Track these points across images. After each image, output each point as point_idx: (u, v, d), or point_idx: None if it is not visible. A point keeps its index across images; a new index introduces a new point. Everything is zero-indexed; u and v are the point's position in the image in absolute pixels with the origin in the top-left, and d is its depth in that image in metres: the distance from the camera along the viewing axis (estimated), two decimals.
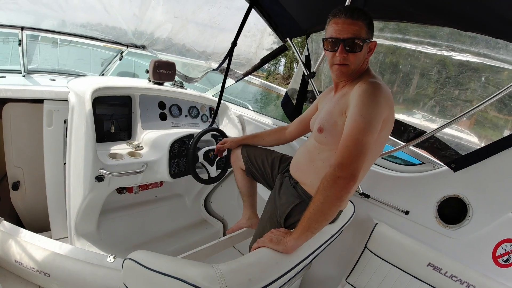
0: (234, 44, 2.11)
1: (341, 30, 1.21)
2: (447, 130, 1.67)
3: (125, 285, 1.08)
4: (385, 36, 1.81)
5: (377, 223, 1.86)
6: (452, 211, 1.67)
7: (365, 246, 1.87)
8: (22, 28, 2.18)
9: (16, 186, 2.18)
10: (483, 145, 1.58)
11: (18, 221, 2.28)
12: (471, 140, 1.69)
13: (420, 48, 1.72)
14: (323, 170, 1.15)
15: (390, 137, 1.84)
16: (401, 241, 1.76)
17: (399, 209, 1.83)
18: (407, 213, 1.81)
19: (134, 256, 1.04)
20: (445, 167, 1.69)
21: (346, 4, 1.67)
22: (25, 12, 2.03)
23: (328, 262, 2.09)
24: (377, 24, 1.78)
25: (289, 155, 1.70)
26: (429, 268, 1.64)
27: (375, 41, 1.29)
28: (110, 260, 1.62)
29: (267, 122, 2.53)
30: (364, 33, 1.23)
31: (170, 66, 2.29)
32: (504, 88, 1.39)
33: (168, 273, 0.93)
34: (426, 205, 1.75)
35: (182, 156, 2.03)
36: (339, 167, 1.06)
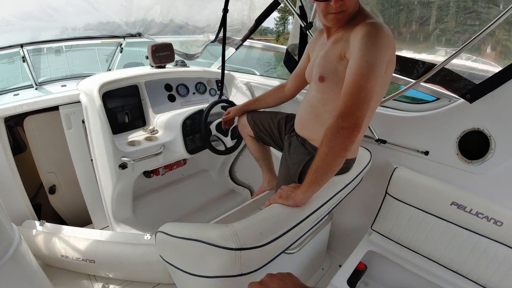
0: (225, 10, 2.06)
1: None
2: (459, 62, 1.55)
3: (161, 256, 1.20)
4: None
5: (396, 167, 1.82)
6: (474, 146, 1.60)
7: (386, 192, 1.85)
8: (21, 46, 2.26)
9: (52, 190, 2.38)
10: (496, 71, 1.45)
11: (61, 222, 2.51)
12: (485, 68, 1.55)
13: None
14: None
15: (400, 76, 1.77)
16: (421, 182, 1.72)
17: (418, 150, 1.77)
18: (426, 153, 1.76)
19: (163, 228, 1.16)
20: (461, 100, 1.60)
21: None
22: (20, 30, 2.08)
23: (353, 212, 2.12)
24: None
25: (294, 114, 1.67)
26: (453, 206, 1.59)
27: None
28: (147, 237, 1.78)
29: (275, 83, 2.50)
30: None
31: (168, 47, 2.30)
32: (510, 7, 1.27)
33: (191, 237, 1.03)
34: (445, 142, 1.68)
35: (195, 132, 2.10)
36: (341, 116, 1.04)
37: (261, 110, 1.85)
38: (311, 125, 1.40)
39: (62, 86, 2.45)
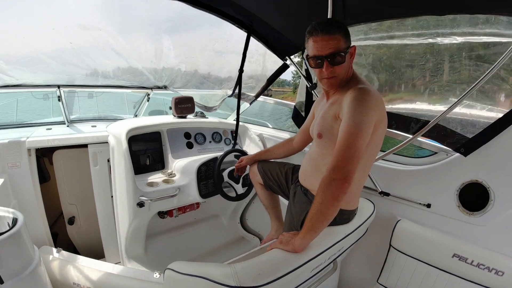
0: (241, 71, 2.35)
1: (321, 47, 1.30)
2: (456, 116, 1.65)
3: None
4: (371, 37, 1.91)
5: (399, 220, 1.85)
6: (474, 197, 1.63)
7: (390, 244, 1.87)
8: (58, 86, 2.56)
9: (71, 221, 2.54)
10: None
11: (75, 252, 2.59)
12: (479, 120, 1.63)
13: (406, 41, 1.79)
14: None
15: (398, 132, 1.89)
16: (423, 234, 1.75)
17: (420, 203, 1.82)
18: (428, 206, 1.80)
19: (172, 266, 1.26)
20: (457, 154, 1.67)
21: (329, 16, 1.81)
22: (58, 73, 2.40)
23: (360, 264, 2.12)
24: (361, 27, 1.91)
25: (300, 165, 1.81)
26: (455, 259, 1.61)
27: (354, 46, 1.38)
28: (156, 276, 1.85)
29: (285, 136, 2.69)
30: (343, 43, 1.31)
31: (189, 100, 2.58)
32: (497, 62, 1.39)
33: (196, 274, 1.13)
34: (446, 195, 1.72)
35: (209, 178, 2.25)
36: (333, 170, 1.17)
37: (271, 160, 2.00)
38: (312, 176, 1.51)
39: (92, 126, 2.71)
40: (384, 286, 1.90)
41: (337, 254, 1.56)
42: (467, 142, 1.61)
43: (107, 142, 2.19)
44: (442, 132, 1.71)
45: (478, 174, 1.61)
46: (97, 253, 2.48)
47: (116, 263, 2.39)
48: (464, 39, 1.58)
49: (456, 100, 1.57)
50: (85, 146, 2.34)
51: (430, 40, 1.69)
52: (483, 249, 1.57)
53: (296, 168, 1.81)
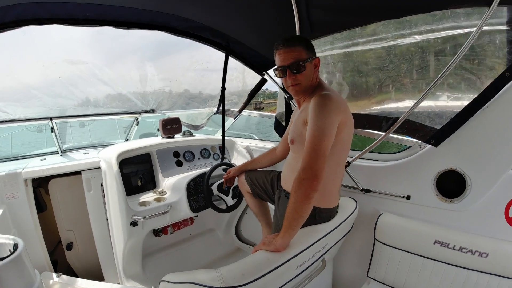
0: (223, 88, 2.49)
1: (284, 58, 1.47)
2: (424, 110, 1.73)
3: None
4: (337, 46, 2.06)
5: (381, 213, 1.92)
6: (452, 185, 1.69)
7: (374, 238, 1.92)
8: (51, 118, 2.66)
9: (69, 246, 2.59)
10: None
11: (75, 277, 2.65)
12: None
13: (370, 46, 1.91)
14: None
15: (371, 131, 1.98)
16: (404, 225, 1.81)
17: (400, 196, 1.89)
18: (408, 197, 1.87)
19: (165, 278, 1.32)
20: (429, 145, 1.75)
21: (297, 32, 1.96)
22: (50, 105, 2.52)
23: (350, 261, 2.17)
24: (327, 38, 2.06)
25: None
26: (437, 245, 1.66)
27: (317, 58, 1.52)
28: None
29: (270, 146, 2.80)
30: (304, 54, 1.47)
31: (176, 121, 2.70)
32: (459, 52, 1.45)
33: (186, 281, 1.20)
34: (424, 185, 1.79)
35: (199, 192, 2.34)
36: (302, 170, 1.28)
37: (258, 170, 2.09)
38: (290, 180, 1.55)
39: (85, 153, 2.80)
40: (374, 279, 1.94)
41: (322, 251, 1.62)
42: (436, 133, 1.69)
43: (99, 168, 2.28)
44: (411, 126, 1.79)
45: (452, 162, 1.68)
46: (97, 276, 2.52)
47: (115, 284, 2.44)
48: (424, 37, 1.68)
49: (421, 95, 1.63)
50: (78, 173, 2.43)
51: (392, 43, 1.81)
52: (464, 233, 1.62)
53: (280, 175, 1.88)
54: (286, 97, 2.39)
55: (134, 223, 2.05)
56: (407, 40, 1.76)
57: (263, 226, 2.15)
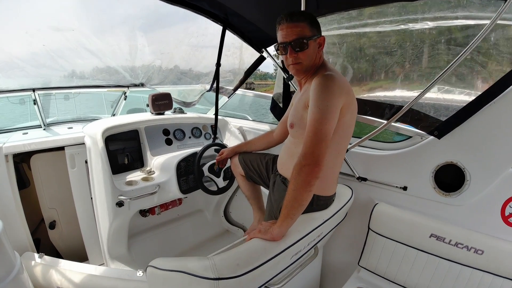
0: (218, 65, 2.33)
1: (286, 34, 1.37)
2: (429, 101, 1.67)
3: None
4: (344, 26, 1.93)
5: (376, 203, 1.89)
6: (450, 179, 1.67)
7: (368, 227, 1.91)
8: (33, 90, 2.50)
9: (52, 225, 2.48)
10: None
11: (58, 257, 2.53)
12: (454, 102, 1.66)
13: (379, 28, 1.80)
14: None
15: (373, 118, 1.92)
16: (400, 216, 1.79)
17: (397, 186, 1.86)
18: (405, 188, 1.84)
19: (153, 263, 1.25)
20: (431, 137, 1.71)
21: (302, 7, 1.82)
22: (33, 76, 2.35)
23: (341, 249, 2.16)
24: (334, 17, 1.93)
25: None
26: (432, 238, 1.65)
27: (323, 36, 1.42)
28: (140, 274, 1.84)
29: (265, 128, 2.70)
30: (308, 31, 1.36)
31: (167, 96, 2.55)
32: (470, 44, 1.41)
33: (176, 269, 1.13)
34: (422, 177, 1.76)
35: (189, 173, 2.24)
36: (303, 156, 1.20)
37: (252, 152, 2.01)
38: (288, 165, 1.53)
39: (69, 128, 2.65)
40: (365, 268, 1.94)
41: (317, 239, 1.58)
42: (440, 125, 1.64)
43: (84, 144, 2.15)
44: (415, 116, 1.74)
45: (452, 155, 1.65)
46: (81, 256, 2.45)
47: (99, 265, 2.36)
48: (436, 23, 1.59)
49: (428, 84, 1.58)
50: (62, 148, 2.29)
51: (402, 26, 1.71)
52: (461, 228, 1.60)
53: (276, 158, 1.82)
54: (285, 77, 2.26)
55: (120, 204, 1.95)
56: (418, 26, 1.67)
57: (254, 210, 2.10)
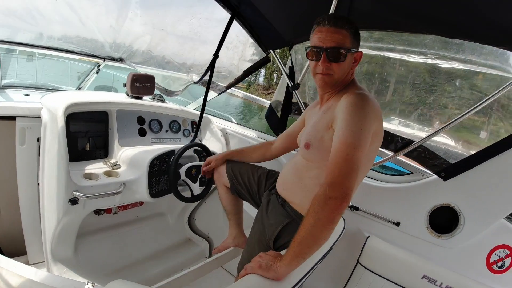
0: (215, 56, 2.06)
1: (324, 38, 1.19)
2: (435, 138, 1.65)
3: None
4: (369, 46, 1.81)
5: (368, 236, 1.81)
6: (444, 220, 1.66)
7: (357, 261, 1.82)
8: None
9: None
10: (472, 152, 1.57)
11: None
12: (461, 147, 1.69)
13: (406, 57, 1.72)
14: (311, 189, 1.10)
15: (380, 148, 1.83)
16: (393, 254, 1.72)
17: (389, 221, 1.80)
18: (398, 224, 1.78)
19: (111, 286, 0.97)
20: (434, 176, 1.67)
21: (330, 12, 1.64)
22: None
23: (320, 279, 2.01)
24: (361, 33, 1.78)
25: (275, 170, 1.63)
26: (424, 280, 1.60)
27: (360, 52, 1.26)
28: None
29: (251, 135, 2.47)
30: (349, 42, 1.19)
31: (150, 79, 2.21)
32: (492, 95, 1.40)
33: None
34: (417, 215, 1.72)
35: (162, 174, 1.93)
36: (330, 186, 0.99)
37: (242, 162, 1.78)
38: (293, 188, 1.36)
39: (25, 95, 2.24)
40: None
41: (308, 276, 1.41)
42: (449, 167, 1.60)
43: (39, 117, 1.77)
44: (424, 154, 1.69)
45: (452, 198, 1.63)
46: (19, 248, 2.05)
47: (39, 263, 2.00)
48: (465, 66, 1.55)
49: (444, 125, 1.56)
50: (13, 118, 1.89)
51: (430, 61, 1.63)
52: (452, 272, 1.58)
53: (270, 174, 1.63)
54: (290, 85, 2.05)
55: (73, 201, 1.58)
56: (446, 64, 1.61)
57: (232, 226, 1.86)
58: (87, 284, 1.50)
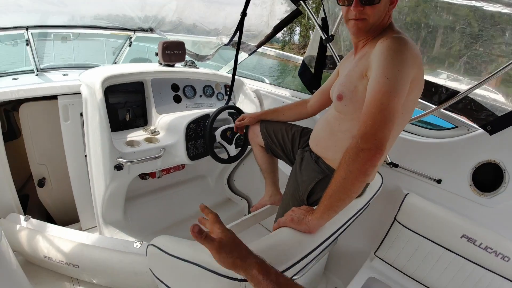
0: (243, 14, 1.97)
1: None
2: (481, 91, 1.53)
3: (151, 270, 1.09)
4: None
5: (407, 193, 1.76)
6: (488, 178, 1.57)
7: (395, 218, 1.78)
8: (27, 28, 2.14)
9: (42, 183, 2.25)
10: None
11: (48, 217, 2.37)
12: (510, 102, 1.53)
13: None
14: (344, 143, 1.05)
15: (419, 100, 1.70)
16: (433, 211, 1.67)
17: (430, 178, 1.72)
18: (439, 181, 1.70)
19: (156, 242, 1.05)
20: (480, 131, 1.57)
21: None
22: (28, 12, 1.99)
23: (356, 236, 2.03)
24: None
25: (310, 128, 1.59)
26: (463, 239, 1.55)
27: None
28: (137, 246, 1.66)
29: (285, 94, 2.42)
30: None
31: (180, 46, 2.21)
32: None
33: (188, 259, 0.91)
34: (460, 172, 1.63)
35: (199, 137, 2.00)
36: (362, 137, 0.94)
37: (276, 121, 1.76)
38: (325, 142, 1.32)
39: (64, 75, 2.34)
40: (382, 259, 1.85)
41: (343, 228, 1.43)
42: (495, 120, 1.49)
43: (79, 93, 1.86)
44: (469, 106, 1.57)
45: (497, 155, 1.53)
46: (72, 218, 2.25)
47: (92, 228, 2.18)
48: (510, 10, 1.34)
49: (491, 74, 1.42)
50: (55, 97, 2.00)
51: (476, 3, 1.44)
52: (492, 232, 1.52)
53: (304, 131, 1.60)
54: (323, 38, 1.93)
55: (118, 167, 1.70)
56: (491, 7, 1.42)
57: (268, 184, 1.90)
58: (136, 242, 1.67)
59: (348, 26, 1.19)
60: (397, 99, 0.97)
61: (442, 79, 1.68)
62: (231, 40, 2.43)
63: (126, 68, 2.04)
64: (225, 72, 2.81)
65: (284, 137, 1.65)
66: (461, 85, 1.59)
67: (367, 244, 1.97)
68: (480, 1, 1.42)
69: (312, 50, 2.07)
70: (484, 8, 1.44)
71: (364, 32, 1.17)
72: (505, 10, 1.37)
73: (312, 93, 2.18)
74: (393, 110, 0.95)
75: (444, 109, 1.64)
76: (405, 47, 1.02)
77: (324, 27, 1.85)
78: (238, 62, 2.26)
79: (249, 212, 1.91)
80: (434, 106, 1.65)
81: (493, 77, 1.40)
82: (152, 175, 2.20)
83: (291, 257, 0.95)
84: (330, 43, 1.93)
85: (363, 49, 1.20)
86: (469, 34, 1.53)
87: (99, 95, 1.69)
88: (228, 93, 2.39)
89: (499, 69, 1.38)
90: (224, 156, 2.09)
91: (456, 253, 1.59)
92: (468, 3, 1.47)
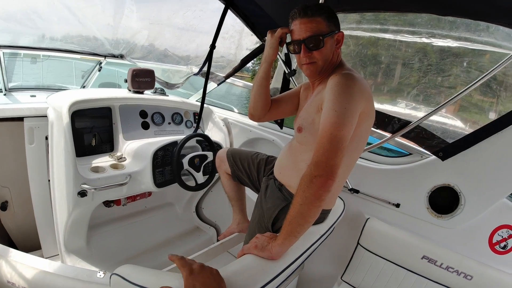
0: (212, 47, 2.07)
1: (299, 30, 1.21)
2: (433, 117, 1.64)
3: None
4: (363, 28, 1.80)
5: (368, 218, 1.84)
6: (444, 201, 1.65)
7: (358, 243, 1.85)
8: None
9: (4, 206, 2.14)
10: (470, 131, 1.55)
11: (10, 242, 2.23)
12: (458, 126, 1.68)
13: (399, 37, 1.71)
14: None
15: (375, 130, 1.83)
16: (393, 234, 1.74)
17: (389, 202, 1.81)
18: (398, 205, 1.79)
19: (120, 271, 1.03)
20: (433, 157, 1.67)
21: (320, 1, 1.64)
22: (0, 30, 2.00)
23: (323, 261, 2.07)
24: (354, 16, 1.78)
25: (274, 156, 1.66)
26: (424, 260, 1.62)
27: (341, 32, 1.25)
28: (100, 275, 1.57)
29: (253, 123, 2.50)
30: (324, 27, 1.19)
31: (149, 73, 2.25)
32: (488, 72, 1.38)
33: (151, 287, 0.90)
34: (416, 196, 1.72)
35: (166, 164, 2.00)
36: (315, 165, 1.02)
37: (242, 149, 1.82)
38: (288, 171, 1.39)
39: (32, 96, 2.31)
40: (348, 283, 1.88)
41: (307, 254, 1.46)
42: (446, 147, 1.60)
43: (46, 116, 1.83)
44: (421, 134, 1.69)
45: (451, 178, 1.63)
46: (34, 244, 2.14)
47: (53, 256, 2.08)
48: (460, 43, 1.53)
49: (441, 104, 1.54)
50: (21, 119, 1.95)
51: (425, 40, 1.62)
52: (453, 252, 1.59)
53: (269, 160, 1.66)
54: (286, 72, 2.07)
55: (82, 193, 1.66)
56: (441, 42, 1.59)
57: (235, 212, 1.92)
58: (99, 272, 1.60)
59: (302, 70, 1.30)
60: (346, 130, 1.05)
61: (401, 107, 1.82)
62: (200, 70, 2.51)
63: (94, 93, 2.04)
64: (194, 100, 2.87)
65: (250, 165, 1.69)
66: (418, 112, 1.73)
67: (335, 269, 2.01)
68: (430, 37, 1.60)
69: (277, 82, 2.19)
70: (433, 44, 1.61)
71: (317, 73, 1.28)
72: (455, 44, 1.54)
73: (277, 123, 2.29)
74: (342, 139, 1.03)
75: (398, 137, 1.75)
76: (353, 82, 1.12)
77: (287, 62, 1.99)
78: (207, 91, 2.32)
79: (218, 240, 1.90)
80: (389, 135, 1.76)
81: (442, 107, 1.53)
82: (117, 202, 2.15)
83: (254, 283, 0.98)
84: (292, 77, 2.05)
85: (319, 86, 1.31)
86: (418, 69, 1.69)
87: (66, 119, 1.68)
88: (197, 121, 2.44)
89: (449, 99, 1.51)
90: (191, 183, 2.09)
91: (418, 274, 1.65)
92: (419, 39, 1.64)
